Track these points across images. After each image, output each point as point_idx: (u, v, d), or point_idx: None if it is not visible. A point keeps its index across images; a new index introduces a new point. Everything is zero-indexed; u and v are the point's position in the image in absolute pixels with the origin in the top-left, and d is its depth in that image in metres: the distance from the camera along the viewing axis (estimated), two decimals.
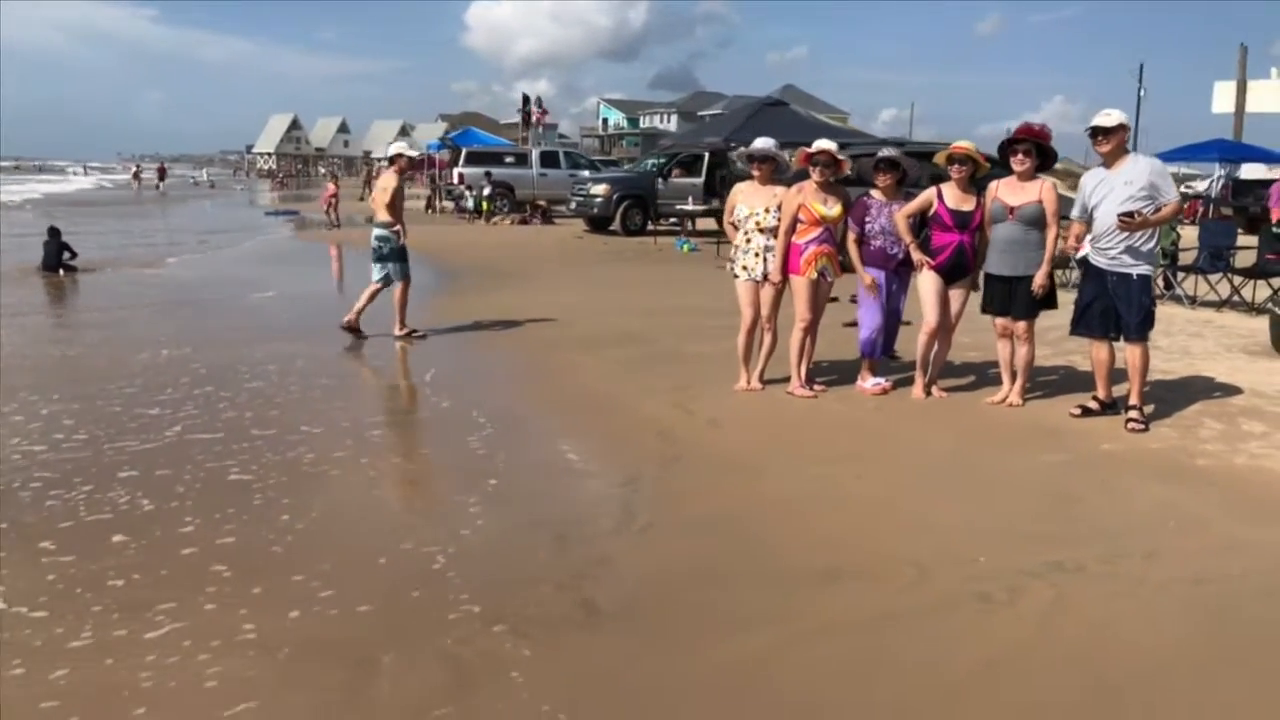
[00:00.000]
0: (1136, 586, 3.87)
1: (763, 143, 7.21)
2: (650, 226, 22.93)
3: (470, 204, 28.33)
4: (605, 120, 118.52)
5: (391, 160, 9.44)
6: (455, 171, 30.79)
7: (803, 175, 7.18)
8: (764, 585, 3.92)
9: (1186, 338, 9.17)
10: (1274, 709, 3.06)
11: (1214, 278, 11.30)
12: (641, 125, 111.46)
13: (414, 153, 9.72)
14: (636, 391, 7.19)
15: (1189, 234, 12.59)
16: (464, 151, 31.21)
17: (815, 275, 7.00)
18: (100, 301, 12.17)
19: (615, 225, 23.23)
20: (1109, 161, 6.21)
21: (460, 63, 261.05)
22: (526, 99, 36.15)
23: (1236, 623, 3.59)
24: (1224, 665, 3.31)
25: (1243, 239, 12.76)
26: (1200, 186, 28.94)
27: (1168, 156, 31.82)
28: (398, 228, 9.17)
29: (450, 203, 31.56)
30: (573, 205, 24.63)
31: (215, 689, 3.14)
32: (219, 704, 3.05)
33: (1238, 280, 11.11)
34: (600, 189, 23.53)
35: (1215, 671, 3.28)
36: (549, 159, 31.19)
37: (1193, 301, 11.26)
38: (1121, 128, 6.13)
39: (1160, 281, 11.83)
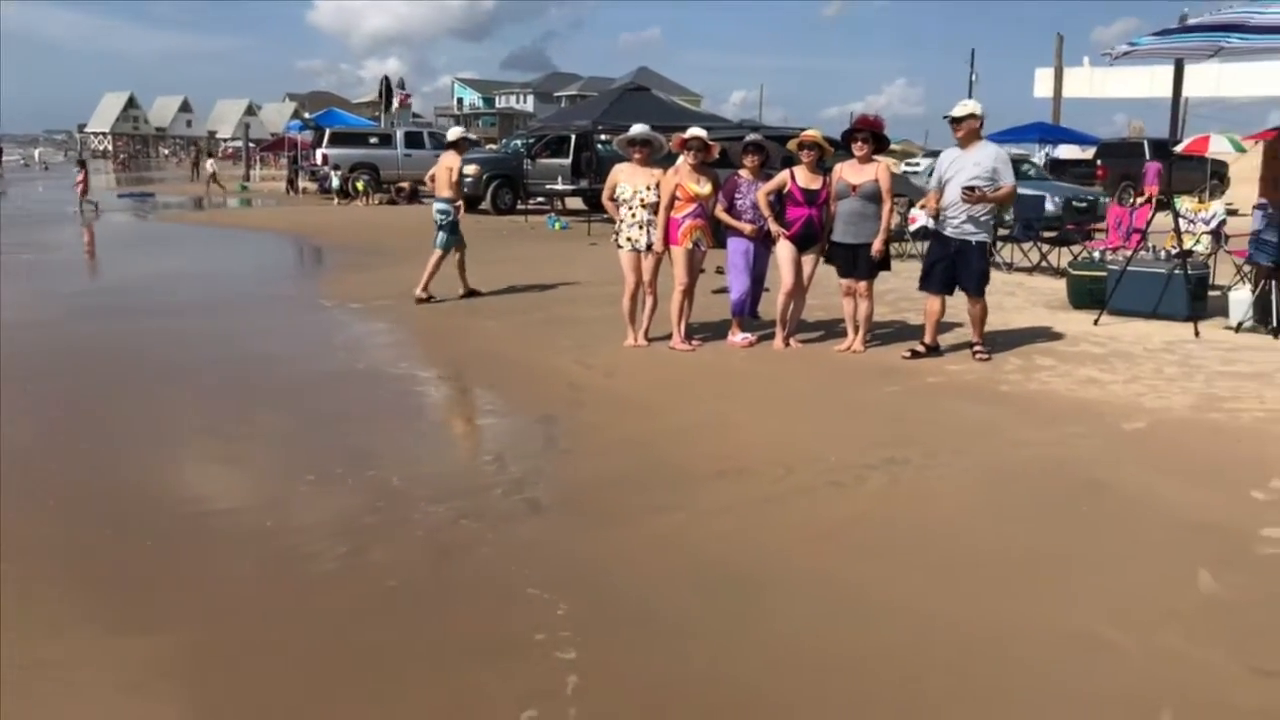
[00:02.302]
0: (948, 471, 5.14)
1: (640, 128, 8.29)
2: (519, 206, 23.75)
3: (335, 184, 28.42)
4: (460, 100, 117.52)
5: (454, 144, 10.97)
6: (319, 153, 30.74)
7: (673, 157, 8.30)
8: (671, 485, 4.99)
9: (1001, 296, 10.72)
10: (1035, 534, 4.32)
11: (1026, 246, 13.02)
12: (498, 105, 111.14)
13: (473, 135, 11.02)
14: (540, 350, 8.17)
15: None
16: (327, 132, 31.16)
17: (691, 245, 8.12)
18: None
19: (486, 204, 23.93)
20: (964, 144, 7.53)
21: (306, 40, 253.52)
22: (388, 81, 36.18)
23: (1017, 489, 4.89)
24: (1006, 514, 4.59)
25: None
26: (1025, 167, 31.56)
27: (995, 138, 34.58)
28: (459, 203, 10.68)
29: (314, 184, 31.50)
30: None
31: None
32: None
33: (1045, 247, 12.86)
34: (470, 169, 24.06)
35: (1000, 517, 4.55)
36: (414, 139, 31.43)
37: (1009, 266, 12.95)
38: (972, 116, 7.46)
39: None
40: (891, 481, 4.99)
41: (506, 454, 5.51)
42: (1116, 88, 41.57)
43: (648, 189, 8.13)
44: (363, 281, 12.42)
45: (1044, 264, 12.69)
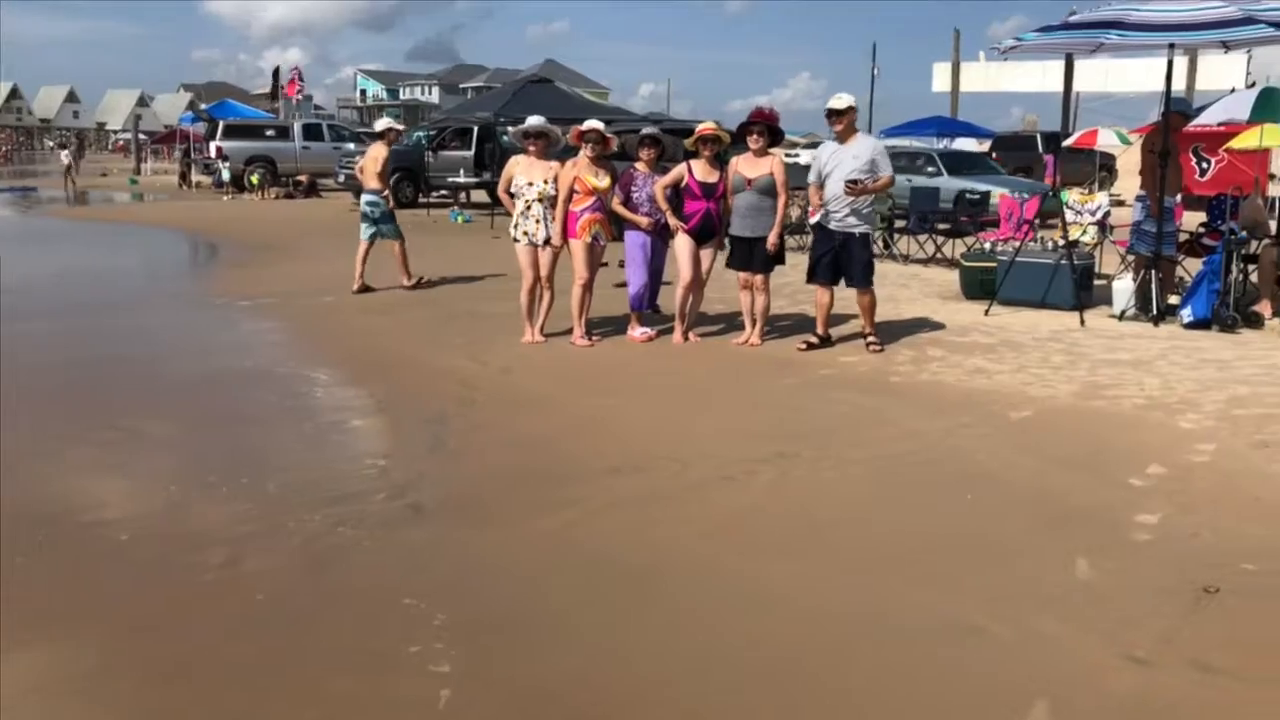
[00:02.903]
0: (838, 463, 5.14)
1: (535, 120, 8.16)
2: (421, 199, 23.32)
3: (226, 177, 27.51)
4: (363, 92, 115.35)
5: (382, 134, 10.86)
6: (212, 145, 29.74)
7: (571, 150, 8.19)
8: (562, 482, 4.89)
9: (896, 288, 10.90)
10: (921, 525, 4.34)
11: (921, 238, 13.25)
12: (402, 97, 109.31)
13: (400, 126, 11.23)
14: (432, 348, 7.98)
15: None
16: (221, 124, 30.16)
17: (590, 239, 8.03)
18: None
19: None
20: (842, 138, 7.56)
21: (203, 30, 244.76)
22: (277, 71, 35.25)
23: (905, 480, 4.92)
24: (891, 505, 4.61)
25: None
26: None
27: (894, 131, 35.26)
28: (386, 193, 10.67)
29: (208, 177, 30.49)
30: (340, 178, 24.58)
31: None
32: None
33: (939, 239, 13.12)
34: None
35: (888, 509, 4.57)
36: (312, 132, 30.61)
37: (905, 258, 13.17)
38: (851, 109, 7.49)
39: (880, 243, 13.71)
40: (783, 475, 4.97)
41: (392, 456, 5.35)
42: (1011, 82, 42.84)
43: (545, 182, 8.01)
44: (254, 278, 12.02)
45: (939, 256, 12.93)
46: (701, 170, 7.96)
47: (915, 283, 11.39)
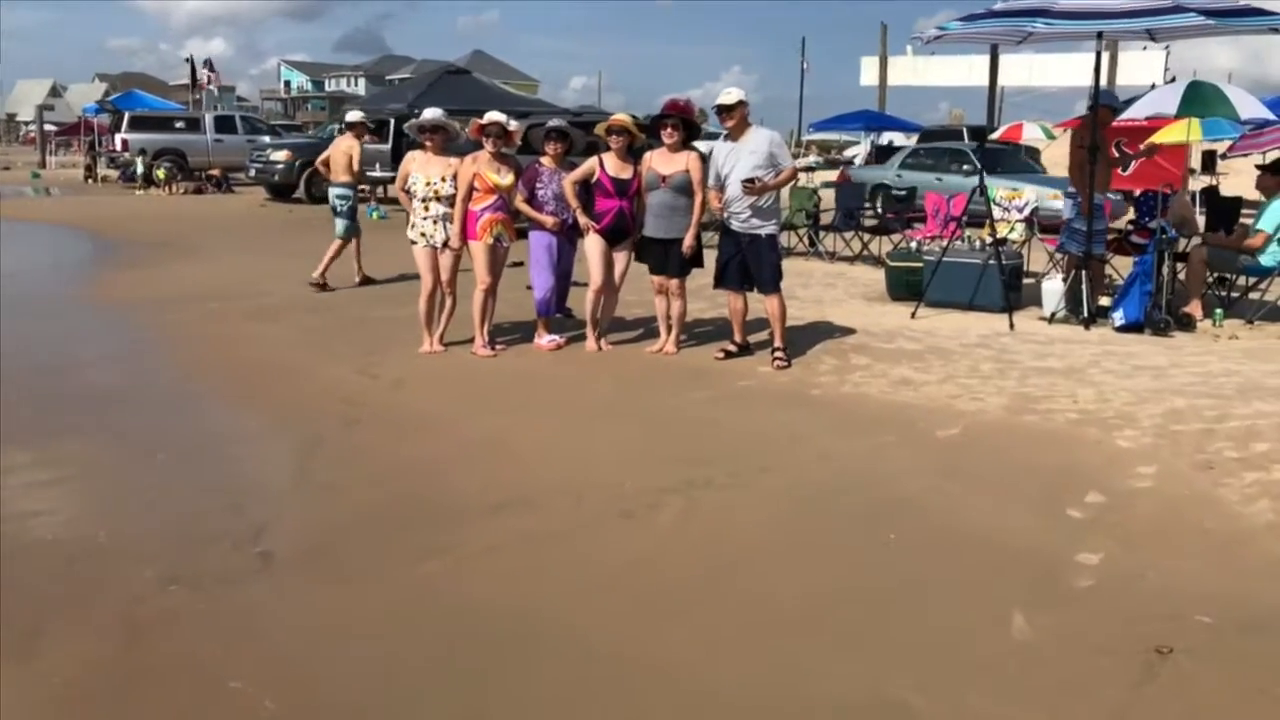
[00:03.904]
0: (750, 492, 4.64)
1: (432, 113, 7.53)
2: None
3: (140, 170, 26.22)
4: (287, 83, 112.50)
5: (351, 126, 10.88)
6: (118, 138, 28.38)
7: (476, 145, 7.57)
8: (438, 522, 4.31)
9: (822, 288, 10.48)
10: (836, 573, 3.86)
11: (848, 235, 12.86)
12: (328, 89, 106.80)
13: (360, 117, 11.13)
14: (322, 359, 7.32)
15: (828, 196, 14.19)
16: (126, 116, 28.80)
17: (492, 240, 7.43)
18: None
19: (300, 193, 22.49)
20: (734, 134, 7.05)
21: (120, 18, 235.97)
22: (193, 61, 33.89)
23: (821, 513, 4.43)
24: (804, 547, 4.11)
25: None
26: (851, 152, 32.06)
27: (822, 125, 35.12)
28: (362, 187, 10.58)
29: (114, 171, 29.11)
30: (251, 173, 23.59)
31: None
32: None
33: (866, 237, 12.75)
34: (281, 155, 22.68)
35: (799, 552, 4.07)
36: (224, 124, 29.43)
37: (831, 256, 12.77)
38: (741, 104, 6.97)
39: (805, 240, 13.31)
40: (689, 508, 4.45)
41: (251, 492, 4.72)
42: (938, 76, 43.02)
43: (442, 180, 7.40)
44: (142, 280, 11.17)
45: (865, 254, 12.56)
46: (614, 165, 7.41)
47: (841, 282, 10.98)
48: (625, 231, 7.48)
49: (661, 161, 7.32)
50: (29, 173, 34.32)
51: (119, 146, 28.19)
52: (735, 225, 7.11)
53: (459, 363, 7.28)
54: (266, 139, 26.24)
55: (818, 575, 3.84)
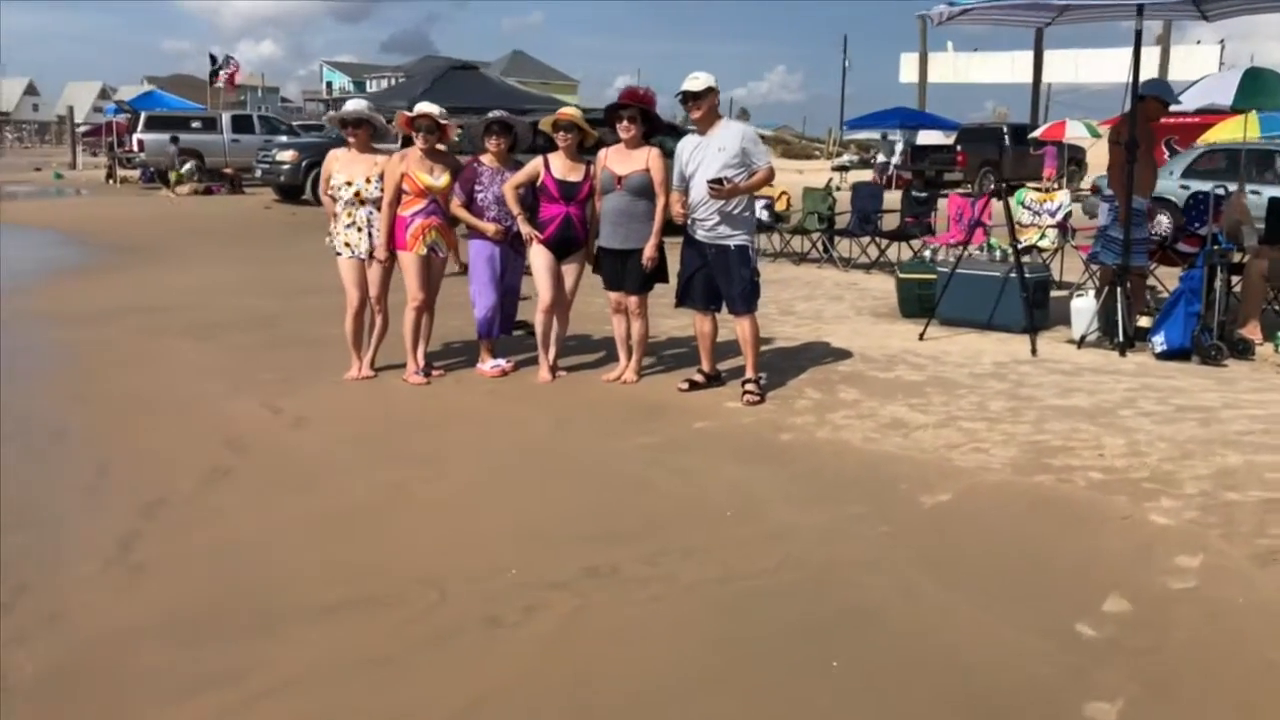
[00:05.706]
0: (664, 589, 3.57)
1: (354, 105, 6.59)
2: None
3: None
4: (329, 84, 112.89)
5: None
6: (135, 138, 27.90)
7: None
8: (243, 633, 3.30)
9: (826, 301, 9.36)
10: (752, 708, 2.79)
11: (864, 241, 11.70)
12: (369, 89, 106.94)
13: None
14: (229, 386, 6.36)
15: (844, 199, 12.99)
16: (143, 116, 28.30)
17: (425, 250, 6.44)
18: None
19: (307, 194, 21.73)
20: (702, 127, 5.98)
21: (173, 20, 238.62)
22: (214, 58, 33.40)
23: (746, 624, 3.34)
24: (719, 672, 3.04)
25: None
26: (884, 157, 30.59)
27: (856, 123, 33.82)
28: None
29: (134, 172, 28.67)
30: (259, 173, 22.93)
31: None
32: None
33: (884, 243, 11.58)
34: (287, 155, 21.98)
35: (709, 679, 3.00)
36: (242, 124, 28.87)
37: (846, 264, 11.62)
38: (710, 91, 5.90)
39: (820, 246, 12.17)
40: (574, 614, 3.39)
41: (36, 579, 3.72)
42: (980, 73, 41.65)
43: (367, 181, 6.41)
44: (94, 289, 10.34)
45: (882, 260, 11.39)
46: (561, 166, 6.37)
47: (850, 294, 9.84)
48: (573, 241, 6.44)
49: (617, 160, 6.27)
50: (52, 173, 34.09)
51: (135, 147, 27.75)
52: (700, 234, 6.04)
53: (382, 393, 6.30)
54: (283, 138, 25.56)
55: None
